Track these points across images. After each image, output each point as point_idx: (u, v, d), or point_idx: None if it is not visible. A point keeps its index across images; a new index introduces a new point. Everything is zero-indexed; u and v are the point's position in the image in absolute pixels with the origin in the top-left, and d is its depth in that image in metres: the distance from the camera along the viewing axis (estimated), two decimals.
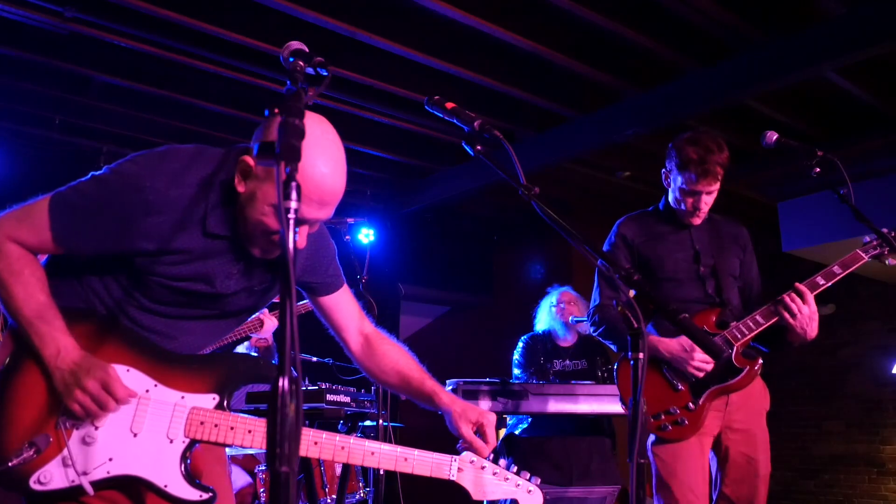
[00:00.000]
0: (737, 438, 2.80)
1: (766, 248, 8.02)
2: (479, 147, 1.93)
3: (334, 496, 4.19)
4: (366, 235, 5.68)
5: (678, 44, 4.53)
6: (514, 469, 1.83)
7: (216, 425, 1.65)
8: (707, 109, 5.05)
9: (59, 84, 5.02)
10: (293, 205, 1.27)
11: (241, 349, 4.40)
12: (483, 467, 1.78)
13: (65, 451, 1.55)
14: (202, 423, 1.65)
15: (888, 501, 7.23)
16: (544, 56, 4.59)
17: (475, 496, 1.78)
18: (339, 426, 4.57)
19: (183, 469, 1.62)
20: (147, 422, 1.61)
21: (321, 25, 4.22)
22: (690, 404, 2.74)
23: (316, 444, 1.70)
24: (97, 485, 1.57)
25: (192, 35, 4.37)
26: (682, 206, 2.87)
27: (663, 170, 2.94)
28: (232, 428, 1.65)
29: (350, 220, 4.39)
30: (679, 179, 2.82)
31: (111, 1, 4.00)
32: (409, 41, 4.47)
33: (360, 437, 1.77)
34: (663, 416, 2.74)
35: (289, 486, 1.17)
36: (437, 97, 2.02)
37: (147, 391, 1.63)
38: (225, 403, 1.69)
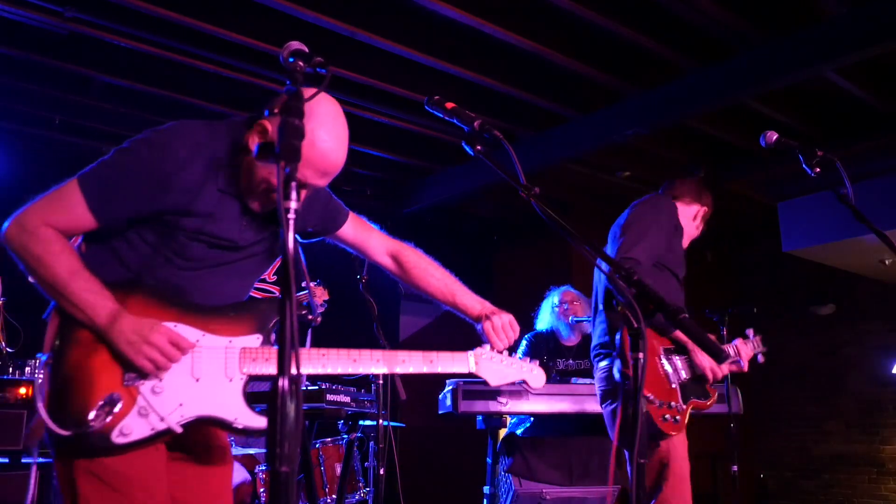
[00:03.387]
0: None
1: (766, 248, 8.03)
2: (479, 147, 1.94)
3: (334, 496, 4.19)
4: None
5: (678, 44, 4.53)
6: (517, 356, 2.13)
7: (267, 359, 1.79)
8: (707, 109, 5.06)
9: (59, 84, 5.02)
10: (293, 205, 1.28)
11: None
12: (492, 358, 2.07)
13: (140, 402, 1.66)
14: (254, 359, 1.79)
15: (888, 501, 7.23)
16: (544, 56, 4.59)
17: (493, 383, 2.06)
18: (340, 426, 4.58)
19: (246, 403, 1.76)
20: (204, 367, 1.74)
21: (321, 25, 4.22)
22: (682, 405, 2.84)
23: (355, 361, 1.87)
24: (165, 433, 1.69)
25: (192, 35, 4.37)
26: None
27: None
28: (268, 359, 1.80)
29: None
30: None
31: (111, 1, 4.00)
32: (409, 41, 4.47)
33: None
34: (666, 409, 2.81)
35: (289, 486, 1.17)
36: (437, 97, 2.02)
37: (197, 341, 1.75)
38: (270, 340, 1.83)
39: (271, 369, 1.77)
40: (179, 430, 1.69)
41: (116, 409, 1.63)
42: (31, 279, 1.69)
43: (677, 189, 3.26)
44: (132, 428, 1.65)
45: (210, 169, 1.77)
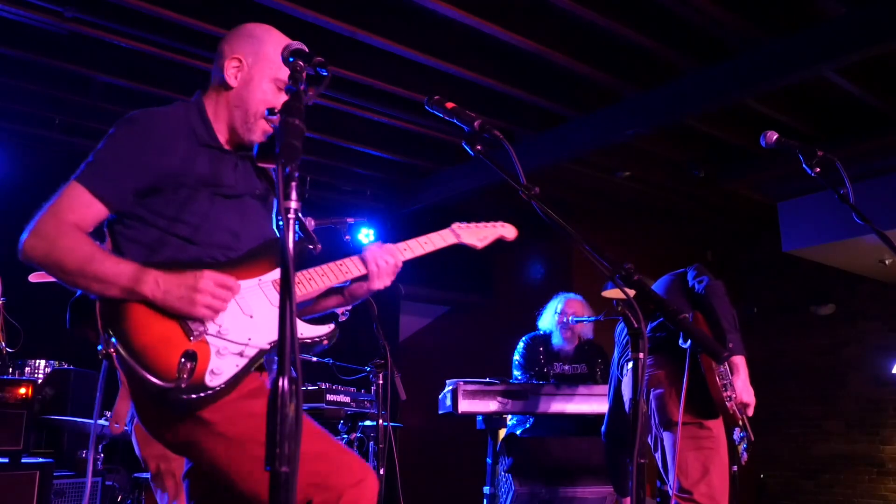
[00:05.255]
0: None
1: (766, 248, 8.03)
2: (479, 147, 1.94)
3: None
4: (366, 235, 5.68)
5: (678, 44, 4.53)
6: (483, 223, 2.31)
7: (299, 282, 1.94)
8: (707, 109, 5.05)
9: (59, 84, 5.02)
10: (293, 205, 1.28)
11: None
12: (469, 226, 2.27)
13: (214, 345, 1.74)
14: None
15: (888, 501, 7.23)
16: (544, 56, 4.59)
17: (480, 245, 2.28)
18: (340, 426, 4.58)
19: (300, 319, 1.92)
20: (252, 304, 1.84)
21: (321, 25, 4.22)
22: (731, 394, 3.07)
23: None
24: (253, 360, 1.79)
25: (192, 35, 4.36)
26: None
27: None
28: (310, 279, 1.96)
29: (350, 220, 4.39)
30: None
31: (111, 1, 4.00)
32: (409, 41, 4.47)
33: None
34: (724, 389, 2.99)
35: (289, 486, 1.18)
36: (437, 97, 2.03)
37: None
38: None
39: (303, 290, 1.93)
40: (268, 346, 1.79)
41: (197, 361, 1.69)
42: (63, 280, 1.74)
43: None
44: (221, 368, 1.72)
45: (190, 129, 1.91)
